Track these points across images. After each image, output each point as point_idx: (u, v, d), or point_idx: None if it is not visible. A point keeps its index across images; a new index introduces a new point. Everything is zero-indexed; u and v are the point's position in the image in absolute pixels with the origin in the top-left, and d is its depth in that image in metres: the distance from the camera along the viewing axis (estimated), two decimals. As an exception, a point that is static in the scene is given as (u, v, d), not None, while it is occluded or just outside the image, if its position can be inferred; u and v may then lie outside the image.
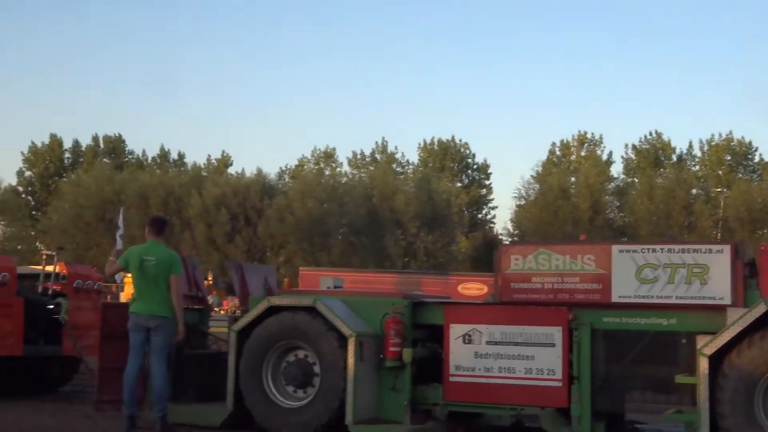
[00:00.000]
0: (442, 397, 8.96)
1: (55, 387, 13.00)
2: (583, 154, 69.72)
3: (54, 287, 12.47)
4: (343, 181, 61.88)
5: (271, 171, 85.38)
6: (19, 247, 64.25)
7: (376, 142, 71.78)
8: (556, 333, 8.54)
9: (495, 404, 8.84)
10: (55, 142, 74.12)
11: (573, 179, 66.08)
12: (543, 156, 71.30)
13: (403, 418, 8.90)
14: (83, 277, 12.64)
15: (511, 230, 66.86)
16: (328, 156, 69.91)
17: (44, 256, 13.01)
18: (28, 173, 73.32)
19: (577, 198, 63.14)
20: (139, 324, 9.48)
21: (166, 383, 9.40)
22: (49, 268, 12.70)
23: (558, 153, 70.51)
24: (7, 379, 12.59)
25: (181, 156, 75.32)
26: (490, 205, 72.69)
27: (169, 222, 10.53)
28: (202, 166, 69.98)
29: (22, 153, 73.81)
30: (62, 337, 11.53)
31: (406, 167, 70.94)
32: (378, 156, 70.67)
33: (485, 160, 72.58)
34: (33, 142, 73.98)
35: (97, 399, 9.95)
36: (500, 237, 66.05)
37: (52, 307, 11.78)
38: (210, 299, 14.51)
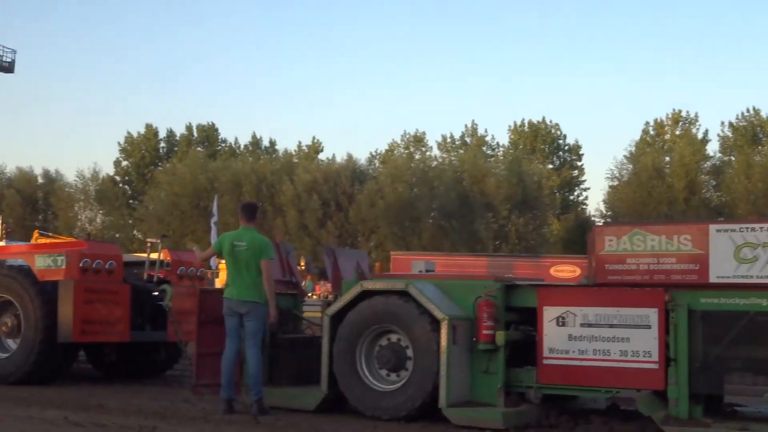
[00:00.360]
0: (536, 379, 8.91)
1: (160, 372, 13.29)
2: (677, 132, 68.26)
3: (159, 274, 12.71)
4: (433, 165, 61.76)
5: (362, 156, 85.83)
6: (117, 235, 65.76)
7: (466, 125, 71.50)
8: (652, 314, 8.41)
9: (590, 387, 8.76)
10: (151, 131, 75.57)
11: (667, 159, 64.73)
12: (636, 135, 70.13)
13: (496, 401, 8.89)
14: (187, 263, 12.88)
15: (604, 211, 65.87)
16: (418, 140, 69.79)
17: (149, 244, 13.27)
18: (124, 163, 74.95)
19: (672, 178, 61.85)
20: (232, 309, 9.65)
21: (260, 367, 9.57)
22: (154, 256, 12.92)
23: (652, 132, 69.11)
24: (116, 364, 12.93)
25: (272, 143, 76.17)
26: (582, 186, 71.72)
27: (260, 207, 10.67)
28: (294, 152, 70.64)
29: (119, 143, 75.57)
30: (167, 323, 11.75)
31: (497, 150, 70.49)
32: (468, 139, 70.31)
33: (576, 141, 71.66)
34: (129, 132, 75.67)
35: (195, 383, 10.12)
36: (593, 219, 65.19)
37: (157, 293, 12.03)
38: (304, 284, 14.65)
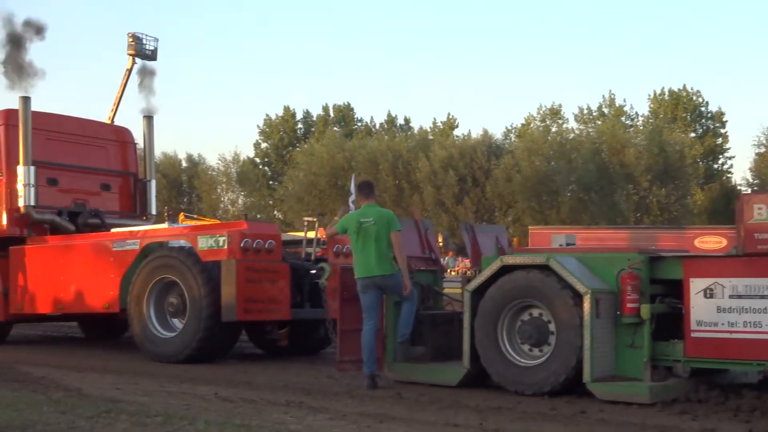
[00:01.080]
0: (683, 353, 8.71)
1: (319, 349, 13.48)
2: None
3: (316, 252, 12.90)
4: (571, 138, 60.81)
5: (497, 131, 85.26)
6: (258, 216, 67.22)
7: (603, 96, 70.00)
8: (806, 285, 8.10)
9: (741, 360, 8.51)
10: (288, 113, 76.84)
11: (818, 122, 62.09)
12: (783, 100, 67.47)
13: (642, 375, 8.72)
14: (342, 242, 13.01)
15: (751, 180, 63.66)
16: (555, 113, 68.77)
17: (306, 222, 13.48)
18: (263, 145, 76.46)
19: (824, 142, 59.32)
20: (366, 286, 9.79)
21: (412, 315, 9.85)
22: (311, 234, 13.09)
23: (800, 96, 66.41)
24: (276, 342, 13.19)
25: (407, 120, 76.45)
26: (726, 154, 69.44)
27: (374, 183, 10.82)
28: (429, 129, 70.69)
29: (258, 126, 77.13)
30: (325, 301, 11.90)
31: (636, 120, 68.89)
32: (606, 110, 68.92)
33: (720, 108, 69.34)
34: (267, 115, 77.14)
35: (338, 359, 10.28)
36: (739, 187, 63.04)
37: (314, 271, 12.20)
38: (445, 261, 14.67)
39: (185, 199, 72.01)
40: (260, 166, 75.27)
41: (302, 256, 12.86)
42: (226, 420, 7.38)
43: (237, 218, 60.83)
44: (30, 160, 14.20)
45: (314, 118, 77.45)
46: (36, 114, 14.47)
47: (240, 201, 72.86)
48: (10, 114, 14.52)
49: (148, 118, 16.91)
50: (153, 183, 16.56)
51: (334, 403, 8.64)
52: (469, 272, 16.51)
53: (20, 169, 14.17)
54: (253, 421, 7.41)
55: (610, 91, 70.39)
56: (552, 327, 9.03)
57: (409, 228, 10.95)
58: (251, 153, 75.90)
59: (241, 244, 11.74)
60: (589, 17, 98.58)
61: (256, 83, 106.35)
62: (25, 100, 14.31)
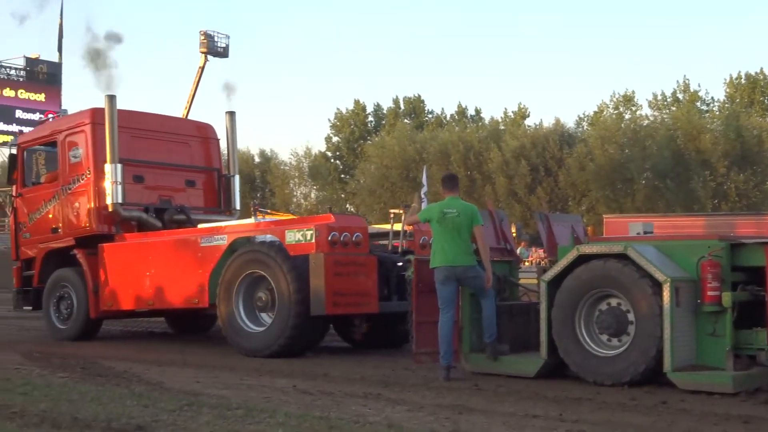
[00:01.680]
0: (766, 341, 8.53)
1: (403, 342, 13.43)
2: None
3: (403, 244, 12.88)
4: (645, 124, 59.86)
5: (569, 119, 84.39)
6: (330, 209, 67.54)
7: (678, 82, 68.84)
8: None
9: (827, 348, 8.31)
10: (359, 106, 77.05)
11: None
12: None
13: (724, 364, 8.57)
14: (429, 234, 12.95)
15: (835, 164, 62.01)
16: (628, 99, 67.76)
17: (392, 215, 13.48)
18: (335, 139, 76.80)
19: None
20: (447, 276, 9.77)
21: (494, 312, 9.81)
22: (397, 227, 13.04)
23: None
24: (364, 335, 13.19)
25: (478, 111, 76.08)
26: (808, 137, 67.74)
27: (457, 177, 10.83)
28: (500, 119, 70.27)
29: (329, 120, 77.54)
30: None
31: (711, 105, 67.59)
32: (680, 96, 67.76)
33: (799, 91, 67.68)
34: (338, 109, 77.42)
35: (415, 351, 10.28)
36: (820, 171, 61.45)
37: (401, 264, 12.21)
38: (519, 251, 14.56)
39: (258, 194, 72.57)
40: (332, 160, 75.59)
41: (389, 249, 12.83)
42: (306, 412, 7.43)
43: (310, 212, 61.38)
44: (117, 157, 14.38)
45: (385, 111, 77.52)
46: (121, 112, 14.65)
47: (312, 195, 73.30)
48: (97, 113, 14.74)
49: (231, 114, 17.07)
50: (236, 178, 16.72)
51: (411, 395, 8.65)
52: (543, 262, 16.40)
53: (107, 167, 14.37)
54: (332, 414, 7.45)
55: (685, 76, 69.38)
56: (631, 317, 8.92)
57: (484, 219, 10.90)
58: (322, 147, 76.34)
59: (329, 238, 11.74)
60: (662, 1, 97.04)
61: (326, 77, 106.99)
62: (111, 99, 14.49)
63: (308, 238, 11.88)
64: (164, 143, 15.60)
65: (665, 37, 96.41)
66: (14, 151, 16.45)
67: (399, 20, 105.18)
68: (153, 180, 15.33)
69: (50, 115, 52.99)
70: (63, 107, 61.28)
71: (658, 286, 8.64)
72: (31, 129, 27.83)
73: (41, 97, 63.66)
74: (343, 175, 74.16)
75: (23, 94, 63.21)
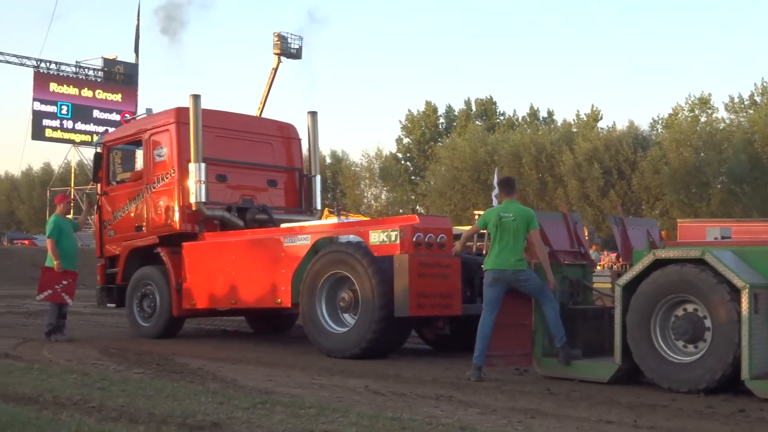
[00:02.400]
0: None
1: None
2: None
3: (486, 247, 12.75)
4: (721, 128, 58.97)
5: (643, 122, 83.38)
6: (401, 210, 67.68)
7: (755, 84, 67.64)
8: None
9: None
10: (430, 108, 77.17)
11: None
12: None
13: (805, 373, 8.39)
14: None
15: None
16: (704, 102, 66.73)
17: (476, 216, 13.40)
18: (406, 140, 77.02)
19: None
20: (495, 279, 9.86)
21: (557, 314, 9.75)
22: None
23: None
24: (447, 338, 12.98)
25: (550, 113, 75.70)
26: None
27: (516, 179, 10.82)
28: (572, 122, 69.73)
29: (400, 121, 77.77)
30: None
31: (790, 108, 66.21)
32: (758, 98, 66.51)
33: None
34: (409, 110, 77.65)
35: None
36: None
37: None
38: (593, 255, 14.39)
39: (329, 195, 73.10)
40: (402, 162, 75.79)
41: (473, 251, 12.80)
42: (378, 413, 7.45)
43: (381, 214, 61.49)
44: (201, 157, 14.50)
45: (456, 113, 77.50)
46: (205, 111, 14.77)
47: (383, 196, 73.58)
48: (181, 112, 14.88)
49: (313, 114, 17.16)
50: (318, 178, 16.75)
51: (483, 398, 8.62)
52: (616, 266, 16.21)
53: (191, 166, 14.50)
54: (405, 415, 7.46)
55: (763, 79, 67.67)
56: (708, 323, 8.77)
57: (558, 222, 10.84)
58: (393, 148, 76.59)
59: (414, 239, 11.62)
60: (737, 2, 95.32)
61: (398, 79, 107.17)
62: (196, 98, 14.59)
63: (393, 239, 11.78)
64: (247, 143, 15.67)
65: (742, 38, 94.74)
66: (100, 149, 16.71)
67: (471, 21, 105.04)
68: (236, 179, 15.42)
69: (126, 116, 53.88)
70: (147, 107, 62.46)
71: (736, 292, 8.49)
72: (113, 129, 28.24)
73: (118, 97, 64.97)
74: (413, 177, 74.29)
75: (101, 95, 64.58)
